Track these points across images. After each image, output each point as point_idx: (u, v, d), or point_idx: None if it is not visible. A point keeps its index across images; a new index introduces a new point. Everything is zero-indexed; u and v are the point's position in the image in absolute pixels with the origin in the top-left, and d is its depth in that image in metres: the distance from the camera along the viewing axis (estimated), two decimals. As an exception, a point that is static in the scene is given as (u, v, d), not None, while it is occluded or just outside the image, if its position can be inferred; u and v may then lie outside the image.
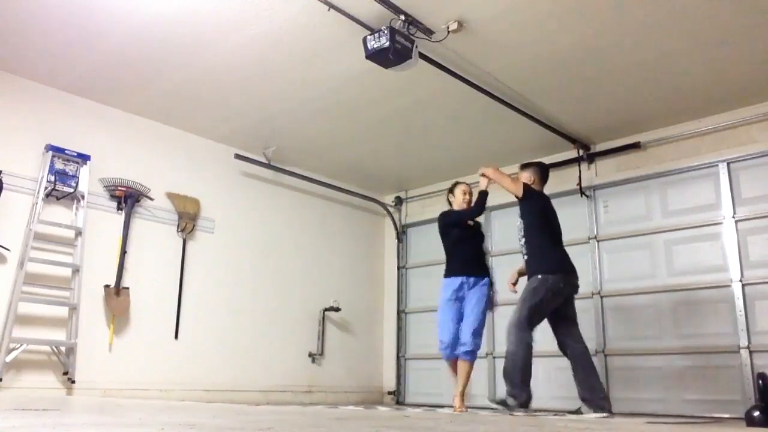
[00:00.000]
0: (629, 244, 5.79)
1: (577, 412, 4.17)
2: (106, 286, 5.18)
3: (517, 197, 4.54)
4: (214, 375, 5.75)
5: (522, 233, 4.51)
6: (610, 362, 5.64)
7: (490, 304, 4.66)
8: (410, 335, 7.33)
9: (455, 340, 4.52)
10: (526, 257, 4.49)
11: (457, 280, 4.62)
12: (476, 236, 4.81)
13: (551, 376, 5.91)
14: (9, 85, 4.94)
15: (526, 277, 4.48)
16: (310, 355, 6.63)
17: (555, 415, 4.11)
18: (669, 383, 5.31)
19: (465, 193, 4.81)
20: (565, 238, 6.11)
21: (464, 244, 4.75)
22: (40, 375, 4.76)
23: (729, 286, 5.14)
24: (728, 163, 5.33)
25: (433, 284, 7.00)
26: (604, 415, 4.01)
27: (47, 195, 4.94)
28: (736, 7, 3.94)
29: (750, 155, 5.21)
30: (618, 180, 5.95)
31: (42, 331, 4.81)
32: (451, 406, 4.63)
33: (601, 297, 5.83)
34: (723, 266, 5.21)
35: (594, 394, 4.18)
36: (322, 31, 4.29)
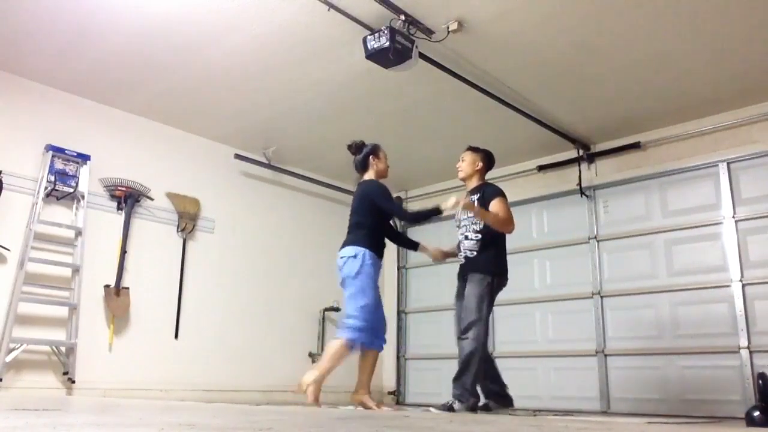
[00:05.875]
0: (629, 244, 5.79)
1: (485, 407, 4.00)
2: (106, 286, 5.18)
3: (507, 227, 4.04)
4: (214, 375, 5.75)
5: (476, 229, 4.12)
6: (610, 362, 5.64)
7: None
8: (410, 335, 7.33)
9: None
10: (472, 252, 4.11)
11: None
12: None
13: (550, 376, 5.92)
14: (9, 85, 4.94)
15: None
16: (310, 355, 6.63)
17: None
18: (669, 383, 5.31)
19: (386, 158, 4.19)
20: (566, 238, 6.19)
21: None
22: (40, 375, 4.76)
23: (729, 286, 5.14)
24: (728, 163, 5.33)
25: (433, 284, 7.03)
26: (513, 408, 4.02)
27: (47, 195, 4.94)
28: (736, 6, 3.94)
29: (750, 155, 5.21)
30: (618, 180, 5.95)
31: (42, 331, 4.81)
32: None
33: (601, 297, 5.83)
34: (723, 266, 5.20)
35: (503, 388, 4.09)
36: (321, 31, 4.29)
